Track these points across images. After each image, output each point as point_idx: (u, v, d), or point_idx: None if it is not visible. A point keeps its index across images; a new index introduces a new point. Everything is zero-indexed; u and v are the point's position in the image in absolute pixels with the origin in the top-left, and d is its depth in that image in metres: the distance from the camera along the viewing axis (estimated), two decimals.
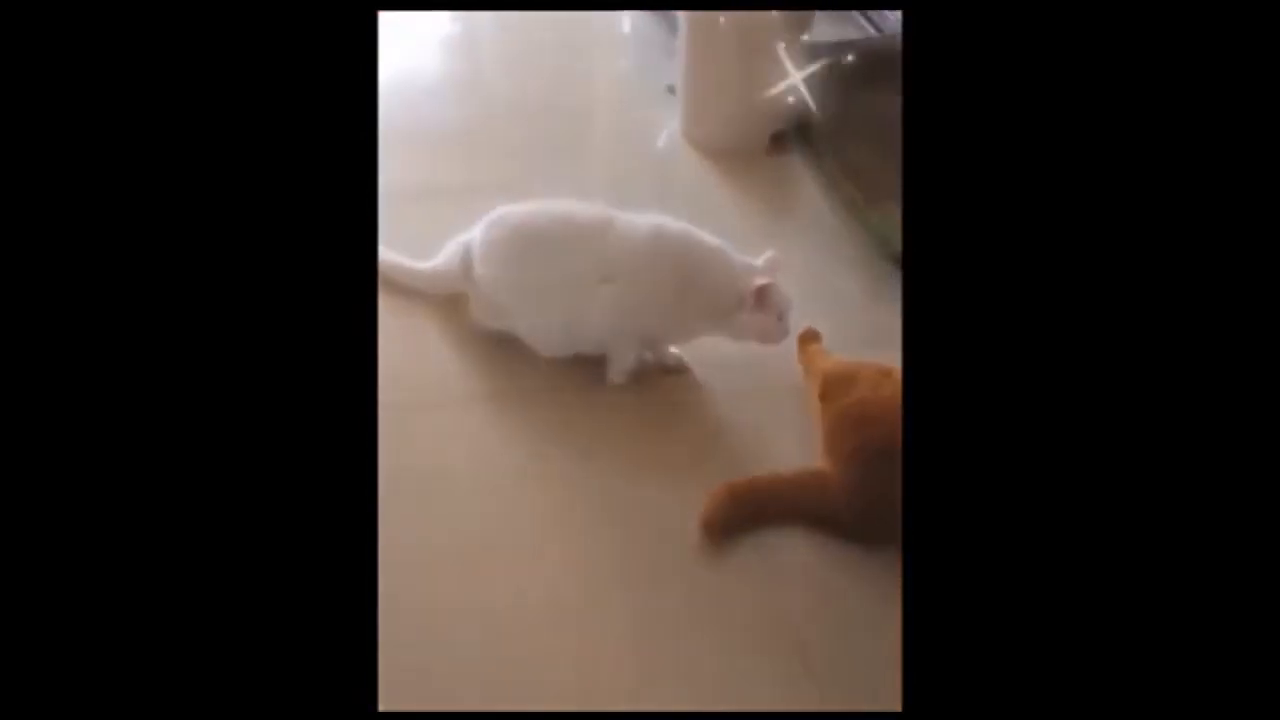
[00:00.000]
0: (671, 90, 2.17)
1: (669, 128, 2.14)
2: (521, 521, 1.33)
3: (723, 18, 1.94)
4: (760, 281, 1.42)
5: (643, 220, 1.50)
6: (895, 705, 0.78)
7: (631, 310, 1.48)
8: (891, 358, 1.44)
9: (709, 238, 1.50)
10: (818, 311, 1.61)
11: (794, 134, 2.10)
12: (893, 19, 2.41)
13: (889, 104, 2.09)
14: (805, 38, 2.04)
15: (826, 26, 2.35)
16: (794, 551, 1.33)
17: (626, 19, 2.58)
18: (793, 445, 1.46)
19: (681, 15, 2.04)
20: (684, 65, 2.08)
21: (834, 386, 1.42)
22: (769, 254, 1.49)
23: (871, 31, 2.46)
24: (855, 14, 2.52)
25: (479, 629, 1.19)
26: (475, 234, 1.54)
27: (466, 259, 1.54)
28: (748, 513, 1.35)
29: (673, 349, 1.59)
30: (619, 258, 1.47)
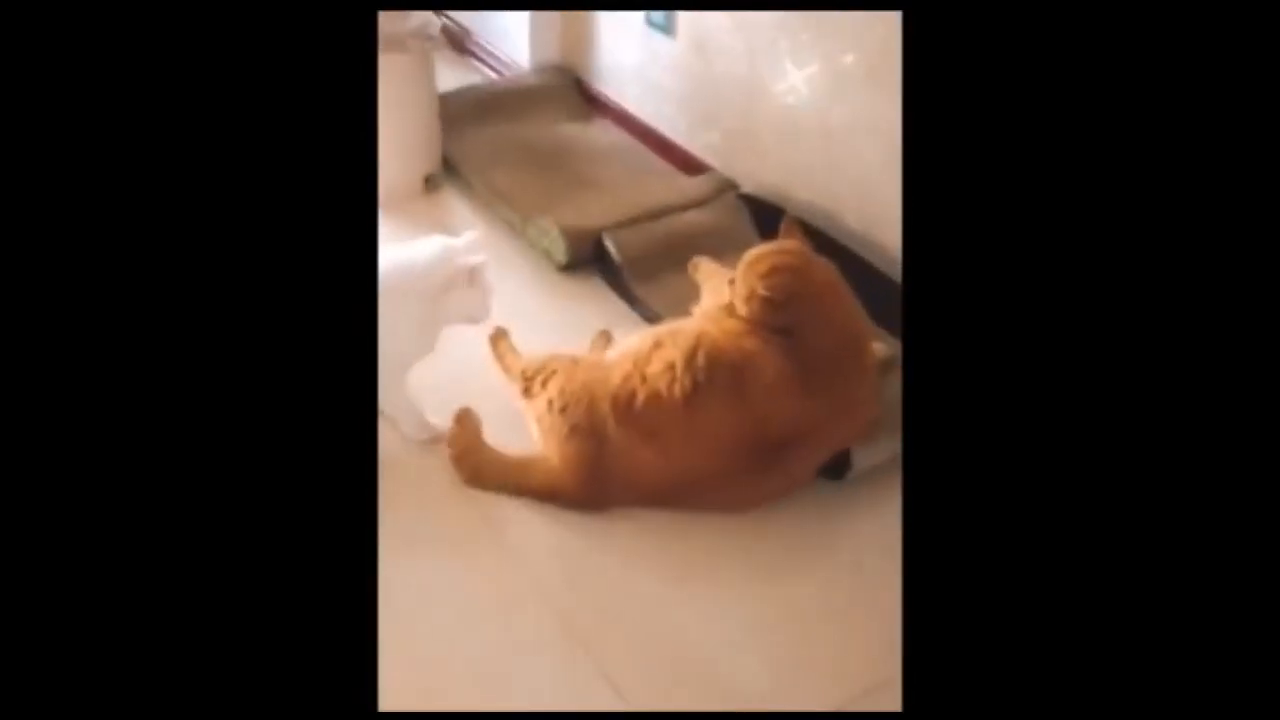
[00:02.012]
0: None
1: None
2: None
3: None
4: (474, 260, 1.52)
5: None
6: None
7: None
8: (576, 350, 1.64)
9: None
10: (508, 308, 1.73)
11: (443, 172, 2.26)
12: (514, 64, 2.64)
13: (520, 132, 2.33)
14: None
15: (450, 77, 2.53)
16: (532, 527, 1.47)
17: None
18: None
19: None
20: None
21: (533, 380, 1.57)
22: (469, 234, 1.57)
23: (492, 75, 2.68)
24: (474, 63, 2.74)
25: None
26: None
27: None
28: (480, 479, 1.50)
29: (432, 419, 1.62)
30: None
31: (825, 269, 1.55)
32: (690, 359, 1.44)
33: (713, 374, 1.43)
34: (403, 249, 1.56)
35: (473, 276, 1.53)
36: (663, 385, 1.43)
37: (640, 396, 1.44)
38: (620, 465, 1.46)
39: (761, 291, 1.46)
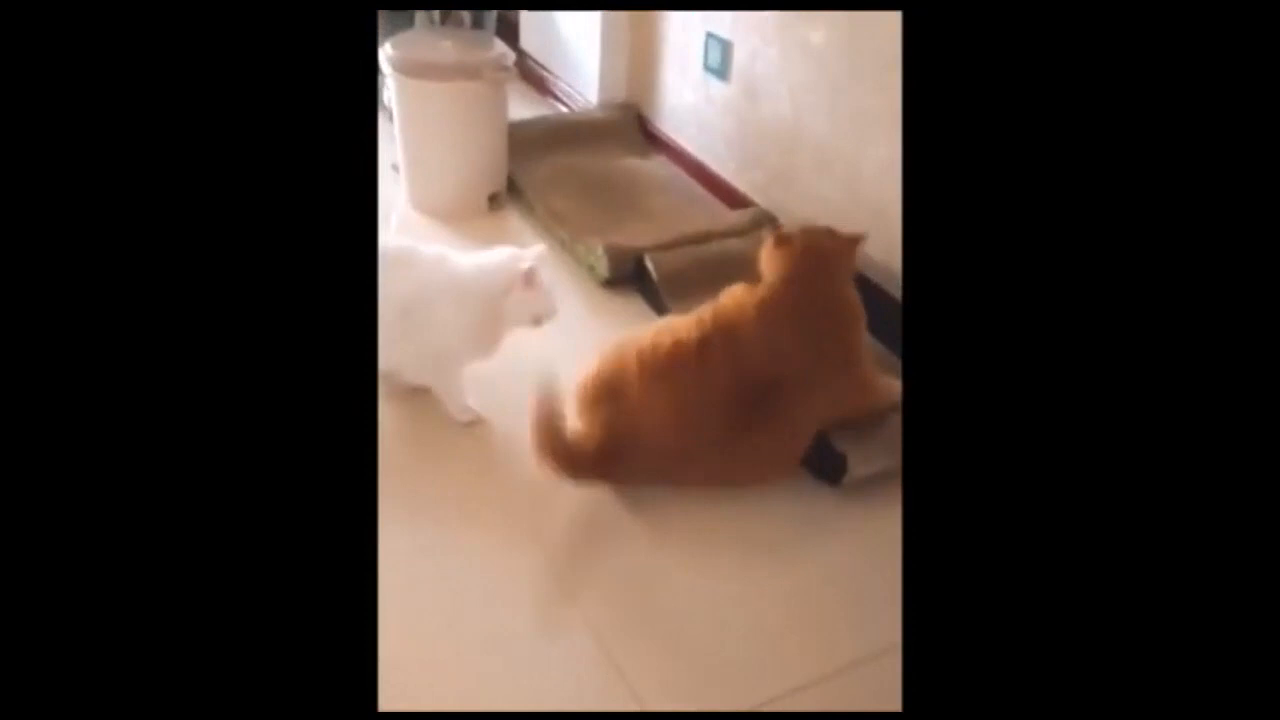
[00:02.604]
0: (395, 168, 2.47)
1: (399, 202, 2.43)
2: None
3: (434, 103, 2.28)
4: (525, 265, 1.68)
5: (425, 248, 1.76)
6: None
7: (440, 332, 1.70)
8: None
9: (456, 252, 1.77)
10: (551, 328, 1.93)
11: (507, 193, 2.46)
12: (581, 99, 2.85)
13: (581, 161, 2.53)
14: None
15: (524, 109, 2.75)
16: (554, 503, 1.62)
17: None
18: None
19: (395, 102, 2.35)
20: (403, 146, 2.39)
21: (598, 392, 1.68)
22: (537, 247, 1.75)
23: (563, 109, 2.89)
24: (550, 100, 2.96)
25: None
26: None
27: None
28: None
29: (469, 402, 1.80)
30: (411, 289, 1.70)
31: (834, 238, 1.71)
32: (705, 315, 1.65)
33: (717, 322, 1.62)
34: (473, 256, 1.74)
35: (528, 279, 1.68)
36: (683, 334, 1.62)
37: (665, 345, 1.61)
38: (636, 422, 1.60)
39: (771, 246, 1.68)
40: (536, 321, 1.74)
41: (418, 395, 1.79)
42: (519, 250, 1.73)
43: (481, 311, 1.71)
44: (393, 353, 1.70)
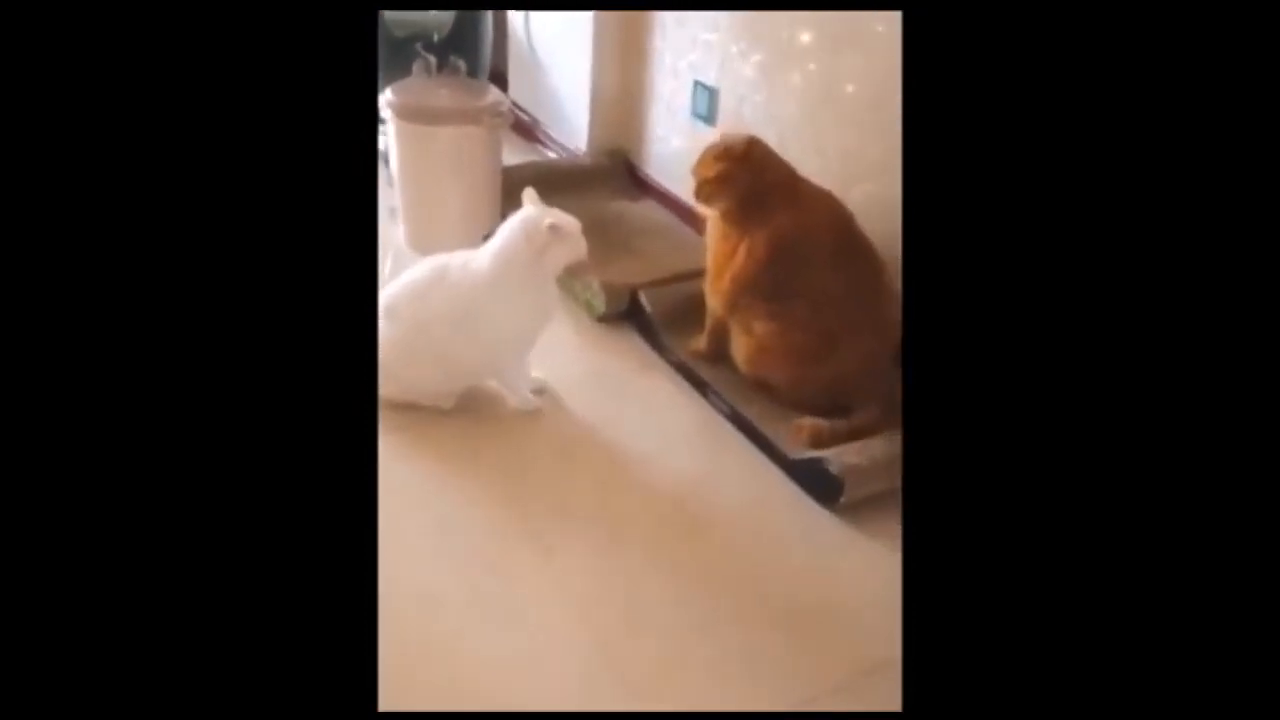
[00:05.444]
0: (392, 212, 2.52)
1: (395, 243, 2.48)
2: None
3: (433, 146, 2.34)
4: (546, 220, 1.77)
5: (459, 256, 1.85)
6: None
7: (498, 322, 1.79)
8: (612, 389, 1.91)
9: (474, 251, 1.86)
10: (551, 355, 2.00)
11: None
12: (570, 148, 2.93)
13: (573, 204, 2.59)
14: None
15: (513, 157, 2.83)
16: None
17: None
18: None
19: (393, 146, 2.41)
20: (401, 189, 2.45)
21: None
22: (530, 199, 1.86)
23: (553, 155, 2.98)
24: (539, 148, 3.04)
25: None
26: None
27: None
28: None
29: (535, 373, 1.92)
30: (452, 298, 1.79)
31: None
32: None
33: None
34: (488, 244, 1.83)
35: (555, 230, 1.78)
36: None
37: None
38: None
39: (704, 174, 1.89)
40: (575, 260, 1.83)
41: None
42: (526, 212, 1.82)
43: (526, 281, 1.80)
44: (458, 365, 1.80)
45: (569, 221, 1.82)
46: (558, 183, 2.68)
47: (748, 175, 1.88)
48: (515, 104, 3.12)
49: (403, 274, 1.90)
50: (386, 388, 1.84)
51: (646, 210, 2.68)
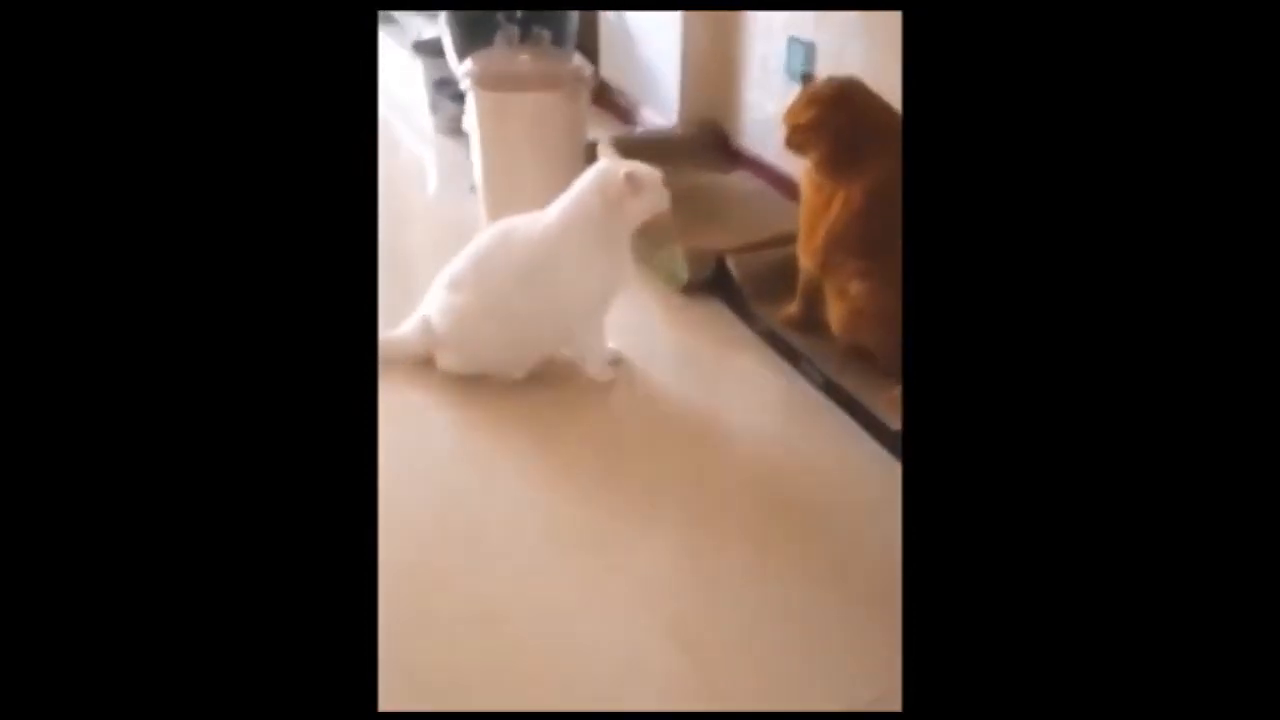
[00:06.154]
0: (473, 189, 2.44)
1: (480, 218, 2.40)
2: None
3: (512, 114, 2.25)
4: (624, 170, 1.63)
5: (526, 216, 1.74)
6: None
7: (573, 281, 1.67)
8: (696, 363, 1.78)
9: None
10: (633, 330, 1.86)
11: None
12: (662, 120, 2.80)
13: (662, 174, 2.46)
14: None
15: (602, 131, 2.71)
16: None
17: (430, 150, 2.88)
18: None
19: (473, 118, 2.32)
20: (481, 162, 2.36)
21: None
22: (602, 144, 1.75)
23: (638, 129, 2.85)
24: (630, 128, 2.92)
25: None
26: (428, 303, 1.76)
27: (427, 324, 1.74)
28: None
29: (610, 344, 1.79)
30: (532, 251, 1.67)
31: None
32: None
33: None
34: (560, 200, 1.71)
35: (631, 181, 1.63)
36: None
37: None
38: None
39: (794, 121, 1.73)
40: (657, 211, 1.68)
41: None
42: (601, 164, 1.69)
43: (600, 237, 1.66)
44: (527, 330, 1.68)
45: (648, 172, 1.67)
46: (645, 155, 2.53)
47: (843, 120, 1.70)
48: (608, 82, 3.01)
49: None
50: (451, 359, 1.74)
51: (739, 181, 2.52)
